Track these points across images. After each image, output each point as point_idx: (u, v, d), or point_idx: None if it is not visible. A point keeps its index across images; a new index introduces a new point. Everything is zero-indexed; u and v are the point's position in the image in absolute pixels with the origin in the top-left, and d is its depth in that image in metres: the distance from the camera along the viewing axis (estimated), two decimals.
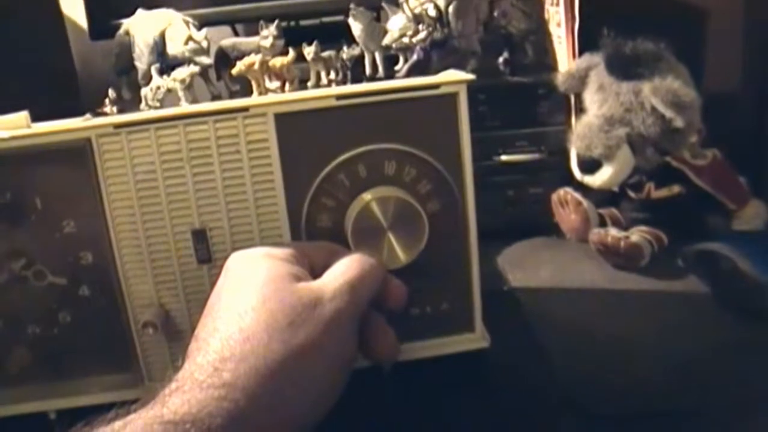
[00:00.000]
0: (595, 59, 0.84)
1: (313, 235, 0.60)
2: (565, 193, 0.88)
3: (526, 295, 0.78)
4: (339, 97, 0.58)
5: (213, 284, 0.53)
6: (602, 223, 0.89)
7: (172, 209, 0.59)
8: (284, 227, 0.60)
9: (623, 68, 0.79)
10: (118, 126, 0.57)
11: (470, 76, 0.60)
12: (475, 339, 0.65)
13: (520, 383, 0.65)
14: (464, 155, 0.61)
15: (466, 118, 0.60)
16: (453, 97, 0.59)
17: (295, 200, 0.59)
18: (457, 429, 0.60)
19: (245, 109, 0.57)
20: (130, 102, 0.99)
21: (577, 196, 0.87)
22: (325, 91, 0.58)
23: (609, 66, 0.81)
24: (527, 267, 0.84)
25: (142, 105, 0.91)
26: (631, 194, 0.88)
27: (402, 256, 0.58)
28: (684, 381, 0.63)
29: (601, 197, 0.90)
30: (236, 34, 1.07)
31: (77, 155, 0.58)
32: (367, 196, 0.58)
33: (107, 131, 0.57)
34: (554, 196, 0.90)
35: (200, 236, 0.59)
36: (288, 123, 0.58)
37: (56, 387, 0.62)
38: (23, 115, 0.59)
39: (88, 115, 0.62)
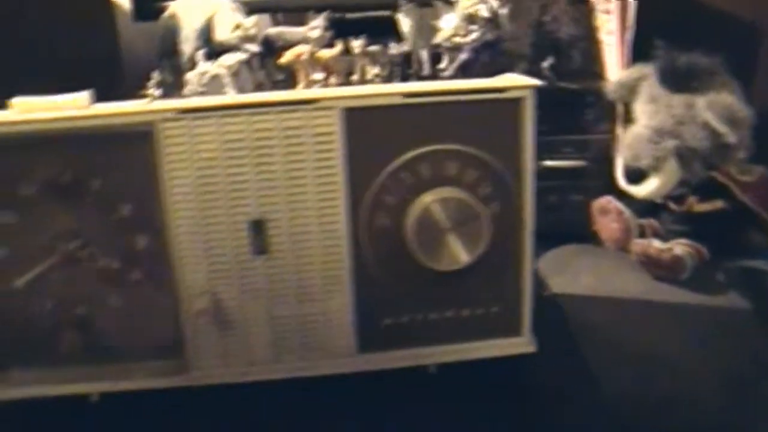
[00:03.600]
0: (646, 70, 0.84)
1: (372, 233, 0.60)
2: (607, 201, 0.88)
3: (567, 301, 0.78)
4: (407, 94, 0.58)
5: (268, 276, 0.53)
6: (641, 234, 0.88)
7: (231, 198, 0.58)
8: (343, 223, 0.59)
9: (677, 81, 0.79)
10: (183, 111, 0.57)
11: (537, 82, 0.59)
12: (522, 343, 0.65)
13: (562, 394, 0.64)
14: (526, 160, 0.61)
15: (530, 123, 0.60)
16: (519, 101, 0.59)
17: (356, 196, 0.59)
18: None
19: (314, 101, 0.57)
20: (171, 86, 0.98)
21: (620, 205, 0.87)
22: (394, 88, 0.58)
23: (662, 78, 0.81)
24: (567, 273, 0.84)
25: (186, 90, 0.90)
26: (672, 206, 0.88)
27: (463, 256, 0.58)
28: (728, 398, 0.62)
29: (640, 208, 0.90)
30: (277, 23, 1.06)
31: (140, 139, 0.57)
32: (428, 197, 0.58)
33: (172, 116, 0.57)
34: (595, 204, 0.89)
35: (258, 227, 0.59)
36: (355, 118, 0.57)
37: (101, 370, 0.61)
38: (85, 96, 0.59)
39: (149, 99, 0.62)
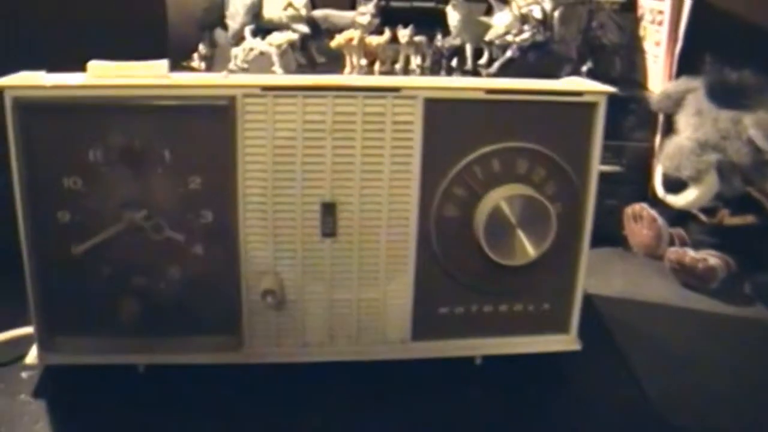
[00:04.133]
0: (693, 83, 0.85)
1: (440, 223, 0.60)
2: (641, 208, 0.89)
3: (602, 303, 0.80)
4: (489, 90, 0.58)
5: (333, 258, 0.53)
6: (671, 242, 0.90)
7: (305, 179, 0.58)
8: (413, 212, 0.60)
9: (725, 96, 0.81)
10: (267, 88, 0.57)
11: (612, 89, 0.60)
12: (569, 341, 0.66)
13: (605, 390, 0.66)
14: (593, 163, 0.62)
15: (601, 128, 0.61)
16: (593, 106, 0.60)
17: (428, 186, 0.60)
18: (537, 425, 0.61)
19: (397, 89, 0.57)
20: (209, 59, 0.98)
21: (653, 212, 0.88)
22: (477, 83, 0.59)
23: (710, 92, 0.82)
24: (599, 275, 0.85)
25: (231, 65, 0.90)
26: (703, 218, 0.89)
27: (531, 250, 0.59)
28: (763, 402, 0.64)
29: (669, 217, 0.92)
30: (314, 6, 1.05)
31: (219, 113, 0.57)
32: (497, 194, 0.59)
33: (255, 92, 0.57)
34: (628, 210, 0.91)
35: (329, 210, 0.59)
36: (436, 109, 0.58)
37: (153, 342, 0.61)
38: (163, 64, 0.58)
39: (225, 73, 0.61)
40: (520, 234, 0.59)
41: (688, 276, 0.83)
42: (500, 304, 0.64)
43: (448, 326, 0.64)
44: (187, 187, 0.59)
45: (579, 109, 0.60)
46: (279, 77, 0.57)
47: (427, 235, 0.61)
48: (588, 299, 0.79)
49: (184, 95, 0.57)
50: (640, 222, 0.90)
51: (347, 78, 0.59)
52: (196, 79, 0.59)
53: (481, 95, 0.58)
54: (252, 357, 0.62)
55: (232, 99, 0.57)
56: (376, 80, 0.59)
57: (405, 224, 0.60)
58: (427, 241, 0.61)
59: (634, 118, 0.92)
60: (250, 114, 0.57)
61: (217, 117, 0.57)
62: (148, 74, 0.58)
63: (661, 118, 0.92)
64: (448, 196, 0.60)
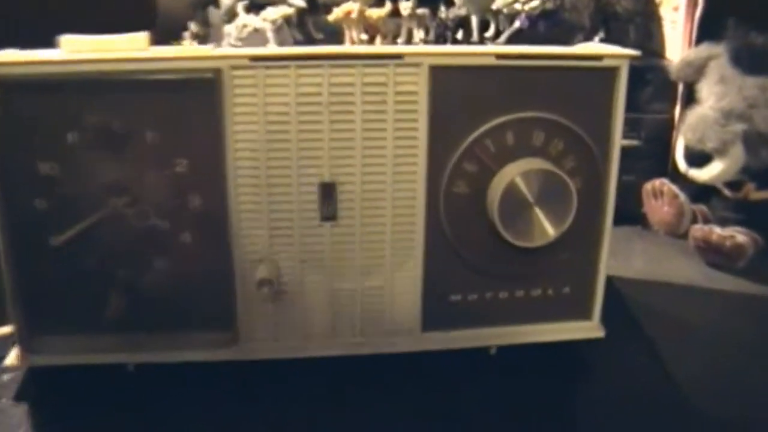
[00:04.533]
0: (716, 49, 0.80)
1: (450, 203, 0.55)
2: (661, 183, 0.84)
3: (624, 285, 0.75)
4: (499, 56, 0.53)
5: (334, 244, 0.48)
6: (693, 219, 0.85)
7: (301, 157, 0.54)
8: (420, 190, 0.55)
9: (751, 62, 0.76)
10: (256, 59, 0.52)
11: (635, 52, 0.55)
12: (591, 328, 0.62)
13: (632, 378, 0.61)
14: (615, 134, 0.57)
15: (623, 95, 0.56)
16: (614, 71, 0.55)
17: (436, 162, 0.55)
18: (563, 419, 0.57)
19: (399, 56, 0.52)
20: (202, 38, 0.93)
21: (674, 188, 0.83)
22: (486, 49, 0.54)
23: (735, 58, 0.77)
24: (620, 256, 0.81)
25: (224, 43, 0.85)
26: (727, 192, 0.84)
27: (551, 230, 0.54)
28: None
29: (691, 192, 0.87)
30: None
31: (204, 87, 0.52)
32: (515, 168, 0.54)
33: (243, 63, 0.52)
34: (647, 186, 0.86)
35: (328, 190, 0.54)
36: (442, 77, 0.53)
37: (142, 339, 0.57)
38: (143, 36, 0.53)
39: (212, 45, 0.56)
40: (538, 212, 0.54)
41: (715, 255, 0.78)
42: (517, 290, 0.60)
43: (461, 315, 0.59)
44: (172, 170, 0.54)
45: (599, 75, 0.55)
46: (271, 48, 0.52)
47: (436, 215, 0.56)
48: (608, 281, 0.75)
49: (165, 69, 0.52)
50: (660, 198, 0.85)
51: (345, 47, 0.54)
52: (180, 52, 0.53)
53: (492, 61, 0.53)
54: (249, 353, 0.58)
55: (218, 71, 0.52)
56: (378, 48, 0.53)
57: (412, 204, 0.55)
58: (437, 223, 0.56)
59: (652, 89, 0.88)
60: (239, 88, 0.52)
61: (202, 92, 0.52)
62: (127, 47, 0.53)
63: (681, 87, 0.87)
64: (459, 173, 0.55)
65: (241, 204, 0.54)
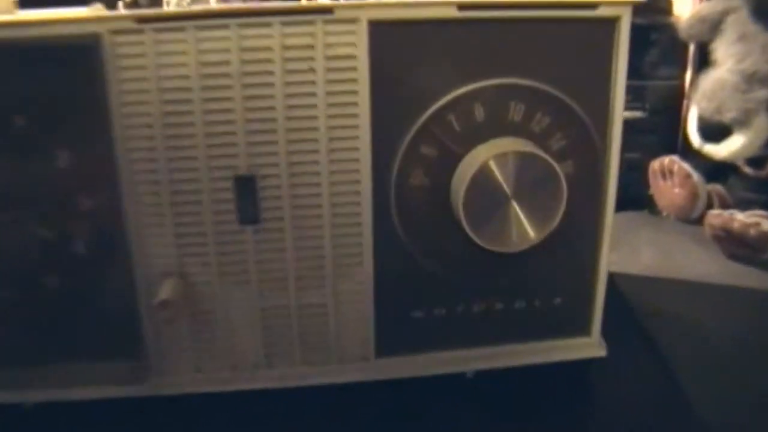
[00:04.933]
0: (733, 2, 0.71)
1: (404, 195, 0.45)
2: (671, 162, 0.76)
3: (628, 283, 0.65)
4: (462, 6, 0.42)
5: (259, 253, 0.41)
6: (708, 203, 0.75)
7: (210, 145, 0.43)
8: (365, 181, 0.45)
9: None
10: (143, 20, 0.41)
11: None
12: (590, 345, 0.52)
13: (637, 396, 0.51)
14: (616, 104, 0.47)
15: (625, 54, 0.45)
16: (612, 23, 0.45)
17: (384, 146, 0.44)
18: None
19: (328, 10, 0.41)
20: (146, 6, 0.82)
21: (686, 167, 0.74)
22: None
23: (757, 11, 0.68)
24: (623, 248, 0.72)
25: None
26: (747, 170, 0.74)
27: (532, 232, 0.43)
28: None
29: (705, 171, 0.77)
30: None
31: (81, 56, 0.42)
32: (485, 151, 0.43)
33: (127, 26, 0.42)
34: (655, 164, 0.78)
35: (246, 185, 0.44)
36: (387, 36, 0.42)
37: (35, 373, 0.48)
38: None
39: (98, 5, 0.45)
40: (517, 208, 0.43)
41: (736, 245, 0.69)
42: (495, 302, 0.49)
43: (425, 334, 0.49)
44: (53, 164, 0.44)
45: (593, 28, 0.44)
46: (160, 9, 0.41)
47: (387, 213, 0.45)
48: (610, 280, 0.65)
49: (34, 36, 0.42)
50: (670, 179, 0.76)
51: (256, 3, 0.42)
52: (52, 15, 0.43)
53: (453, 13, 0.42)
54: (164, 388, 0.48)
55: (97, 37, 0.42)
56: (300, 3, 0.42)
57: (355, 201, 0.45)
58: (388, 222, 0.46)
59: (658, 51, 0.80)
60: (125, 58, 0.42)
61: (78, 63, 0.42)
62: None
63: (692, 48, 0.79)
64: (414, 159, 0.44)
65: (139, 204, 0.44)
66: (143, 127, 0.42)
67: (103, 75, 0.41)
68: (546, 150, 0.44)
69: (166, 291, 0.43)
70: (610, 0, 0.43)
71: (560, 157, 0.45)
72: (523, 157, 0.42)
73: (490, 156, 0.42)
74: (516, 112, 0.44)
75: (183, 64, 0.41)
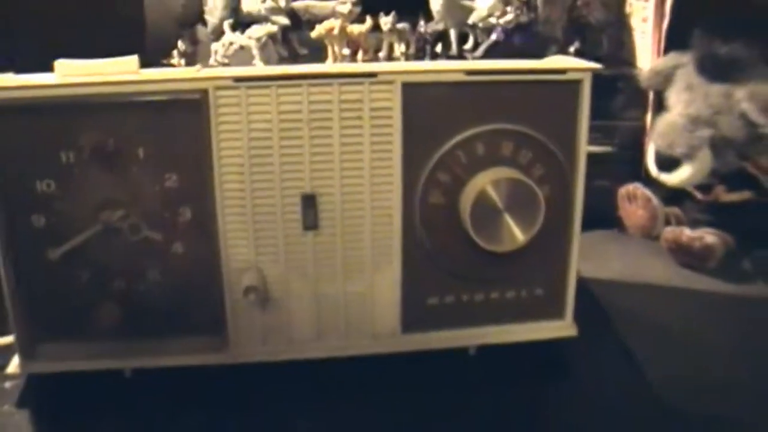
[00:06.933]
0: (683, 58, 0.84)
1: (425, 211, 0.58)
2: (635, 188, 0.88)
3: (600, 287, 0.78)
4: (468, 72, 0.56)
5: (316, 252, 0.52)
6: (666, 222, 0.88)
7: (284, 171, 0.57)
8: (396, 200, 0.58)
9: (716, 70, 0.79)
10: (239, 80, 0.55)
11: (597, 65, 0.59)
12: (564, 327, 0.65)
13: (605, 377, 0.64)
14: (580, 143, 0.60)
15: (587, 106, 0.59)
16: (578, 84, 0.58)
17: (411, 173, 0.58)
18: (539, 421, 0.60)
19: (373, 74, 0.55)
20: (190, 56, 0.96)
21: (648, 192, 0.87)
22: (456, 65, 0.57)
23: (701, 67, 0.80)
24: (595, 259, 0.83)
25: (211, 60, 0.88)
26: (698, 195, 0.87)
27: (520, 236, 0.57)
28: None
29: (664, 196, 0.90)
30: None
31: (191, 107, 0.55)
32: (484, 177, 0.57)
33: (226, 84, 0.55)
34: (622, 191, 0.89)
35: (310, 201, 0.57)
36: (414, 93, 0.56)
37: (137, 345, 0.59)
38: (133, 59, 0.57)
39: (199, 66, 0.60)
40: (508, 219, 0.57)
41: (686, 255, 0.81)
42: (491, 292, 0.62)
43: (439, 317, 0.62)
44: (163, 185, 0.57)
45: (563, 88, 0.58)
46: (251, 69, 0.55)
47: (412, 223, 0.59)
48: (584, 284, 0.78)
49: (154, 90, 0.55)
50: (634, 202, 0.89)
51: (322, 66, 0.57)
52: (167, 74, 0.57)
53: (461, 77, 0.56)
54: (239, 357, 0.60)
55: (204, 92, 0.55)
56: (352, 67, 0.56)
57: (389, 213, 0.58)
58: (413, 230, 0.59)
59: (624, 97, 0.91)
60: (224, 107, 0.55)
61: (189, 111, 0.55)
62: (118, 70, 0.56)
63: (651, 95, 0.91)
64: (432, 183, 0.58)
65: (228, 216, 0.57)
66: (235, 157, 0.55)
67: (208, 119, 0.55)
68: (529, 177, 0.58)
69: (250, 278, 0.57)
70: (575, 67, 0.58)
71: (540, 182, 0.58)
72: (512, 182, 0.57)
73: (488, 181, 0.57)
74: (507, 148, 0.58)
75: (266, 112, 0.55)
